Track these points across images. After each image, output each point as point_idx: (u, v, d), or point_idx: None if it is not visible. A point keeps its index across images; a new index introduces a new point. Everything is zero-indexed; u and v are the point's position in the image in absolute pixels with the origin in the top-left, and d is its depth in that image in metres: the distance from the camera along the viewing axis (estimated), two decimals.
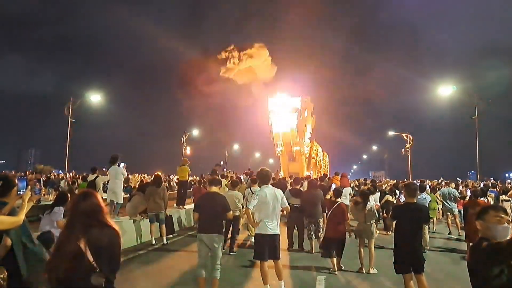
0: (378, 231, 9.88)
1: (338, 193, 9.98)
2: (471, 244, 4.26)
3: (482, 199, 12.43)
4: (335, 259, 9.00)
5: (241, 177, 19.50)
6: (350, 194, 16.11)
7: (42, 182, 26.00)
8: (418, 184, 13.05)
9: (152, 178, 14.29)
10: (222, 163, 24.75)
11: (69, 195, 9.88)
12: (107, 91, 38.41)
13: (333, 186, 12.86)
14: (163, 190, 12.29)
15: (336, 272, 8.92)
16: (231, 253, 10.50)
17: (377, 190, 15.21)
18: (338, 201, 9.44)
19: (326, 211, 10.21)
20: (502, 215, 3.18)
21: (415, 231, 6.48)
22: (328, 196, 12.35)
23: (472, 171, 67.88)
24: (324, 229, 10.23)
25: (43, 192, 23.05)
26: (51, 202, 13.86)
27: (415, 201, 6.82)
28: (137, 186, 15.91)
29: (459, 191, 17.90)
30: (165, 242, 11.80)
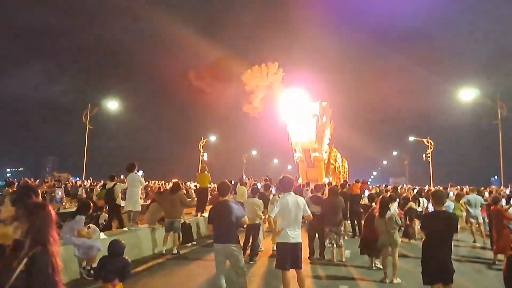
0: (400, 239, 9.67)
1: (372, 198, 10.94)
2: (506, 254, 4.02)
3: (506, 206, 12.13)
4: (374, 257, 9.95)
5: (258, 184, 19.33)
6: None
7: (64, 189, 26.08)
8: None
9: (171, 186, 14.21)
10: (244, 176, 24.86)
11: (91, 204, 9.91)
12: (124, 100, 38.69)
13: (367, 192, 13.34)
14: (179, 197, 12.15)
15: (374, 268, 9.78)
16: (251, 262, 10.33)
17: (399, 198, 15.03)
18: (373, 205, 10.18)
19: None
20: None
21: (445, 240, 6.31)
22: (362, 202, 12.88)
23: (495, 177, 66.82)
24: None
25: (64, 201, 22.99)
26: (69, 210, 13.92)
27: (443, 208, 6.62)
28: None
29: (484, 198, 17.50)
30: (175, 251, 11.56)
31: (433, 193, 7.13)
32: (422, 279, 6.30)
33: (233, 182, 17.43)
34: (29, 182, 25.86)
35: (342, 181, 26.47)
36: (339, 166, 43.61)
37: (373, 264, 9.98)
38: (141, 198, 14.98)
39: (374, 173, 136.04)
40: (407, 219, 14.07)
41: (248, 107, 47.34)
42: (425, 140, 47.19)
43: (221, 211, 6.99)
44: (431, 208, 10.51)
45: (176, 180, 16.64)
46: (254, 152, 78.16)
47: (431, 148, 46.14)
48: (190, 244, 12.85)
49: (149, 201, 15.61)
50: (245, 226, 8.87)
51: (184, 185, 33.20)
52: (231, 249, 6.75)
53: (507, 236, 10.65)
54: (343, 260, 10.87)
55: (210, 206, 17.04)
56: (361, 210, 14.80)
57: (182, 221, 12.33)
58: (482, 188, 25.87)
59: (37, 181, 38.30)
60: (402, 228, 14.11)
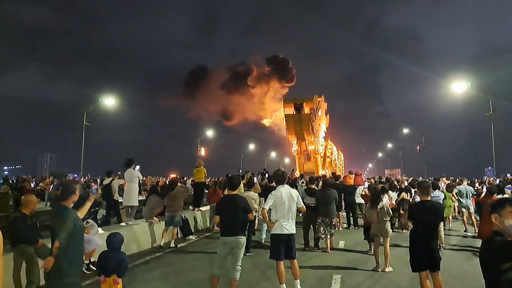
0: (391, 230, 9.89)
1: (371, 189, 11.41)
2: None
3: (498, 196, 12.33)
4: (373, 243, 10.01)
5: (254, 178, 19.56)
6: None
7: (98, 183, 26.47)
8: (431, 181, 13.08)
9: (169, 181, 14.40)
10: (240, 170, 25.28)
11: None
12: (122, 97, 38.56)
13: (367, 184, 13.75)
14: (178, 192, 12.34)
15: (371, 252, 10.16)
16: (247, 254, 10.52)
17: (396, 189, 15.36)
18: None
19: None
20: None
21: (431, 228, 6.49)
22: (363, 192, 13.97)
23: (489, 167, 67.22)
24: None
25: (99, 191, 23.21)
26: None
27: (429, 198, 6.82)
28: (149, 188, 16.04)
29: (475, 188, 17.75)
30: (173, 245, 11.76)
31: (418, 183, 7.32)
32: (410, 267, 6.52)
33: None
34: (26, 179, 25.99)
35: (331, 173, 26.68)
36: (335, 159, 43.81)
37: (371, 249, 10.35)
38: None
39: (370, 165, 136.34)
40: (400, 209, 14.28)
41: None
42: (418, 132, 47.48)
43: (230, 203, 7.19)
44: (417, 198, 10.78)
45: (175, 176, 16.84)
46: (251, 146, 78.15)
47: (424, 140, 46.43)
48: (187, 238, 13.04)
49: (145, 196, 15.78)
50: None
51: (181, 179, 33.46)
52: (237, 241, 6.95)
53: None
54: (333, 246, 11.23)
55: (207, 201, 17.40)
56: (356, 201, 15.23)
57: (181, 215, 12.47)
58: (476, 179, 26.18)
59: (34, 178, 38.40)
60: (396, 219, 14.40)
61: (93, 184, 21.88)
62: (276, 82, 52.54)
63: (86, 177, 35.95)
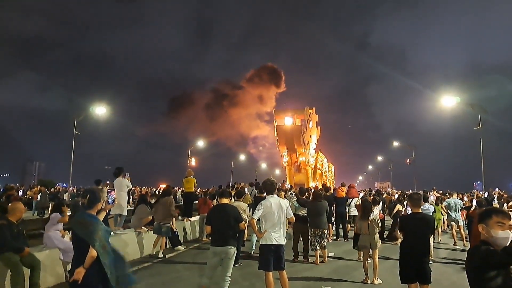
0: (381, 242, 9.88)
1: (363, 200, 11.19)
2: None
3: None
4: (362, 252, 9.76)
5: (246, 188, 19.48)
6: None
7: (48, 195, 26.28)
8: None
9: (162, 190, 14.33)
10: (230, 183, 25.41)
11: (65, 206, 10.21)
12: (113, 106, 38.32)
13: (361, 194, 13.78)
14: (169, 201, 12.25)
15: (360, 260, 10.18)
16: (236, 265, 10.43)
17: (381, 201, 15.37)
18: None
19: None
20: (505, 221, 3.12)
21: (422, 240, 6.49)
22: (358, 203, 14.11)
23: (478, 182, 67.77)
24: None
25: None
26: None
27: (420, 210, 6.84)
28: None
29: (464, 201, 17.85)
30: (161, 255, 11.65)
31: (409, 195, 7.35)
32: (400, 278, 6.48)
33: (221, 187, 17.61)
34: (14, 187, 25.77)
35: (321, 185, 26.66)
36: (325, 170, 43.77)
37: (361, 258, 10.26)
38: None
39: (360, 177, 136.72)
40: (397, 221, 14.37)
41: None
42: (408, 146, 47.74)
43: (221, 213, 7.17)
44: (409, 210, 10.82)
45: (167, 185, 16.75)
46: (242, 157, 77.93)
47: (414, 154, 46.66)
48: (176, 248, 12.92)
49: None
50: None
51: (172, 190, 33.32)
52: (227, 252, 6.92)
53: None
54: (326, 261, 11.10)
55: (196, 211, 17.29)
56: (351, 213, 15.34)
57: (170, 225, 12.36)
58: (465, 192, 26.34)
59: (22, 186, 38.04)
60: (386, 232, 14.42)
61: (112, 193, 21.71)
62: (261, 103, 53.22)
63: (75, 187, 35.68)
